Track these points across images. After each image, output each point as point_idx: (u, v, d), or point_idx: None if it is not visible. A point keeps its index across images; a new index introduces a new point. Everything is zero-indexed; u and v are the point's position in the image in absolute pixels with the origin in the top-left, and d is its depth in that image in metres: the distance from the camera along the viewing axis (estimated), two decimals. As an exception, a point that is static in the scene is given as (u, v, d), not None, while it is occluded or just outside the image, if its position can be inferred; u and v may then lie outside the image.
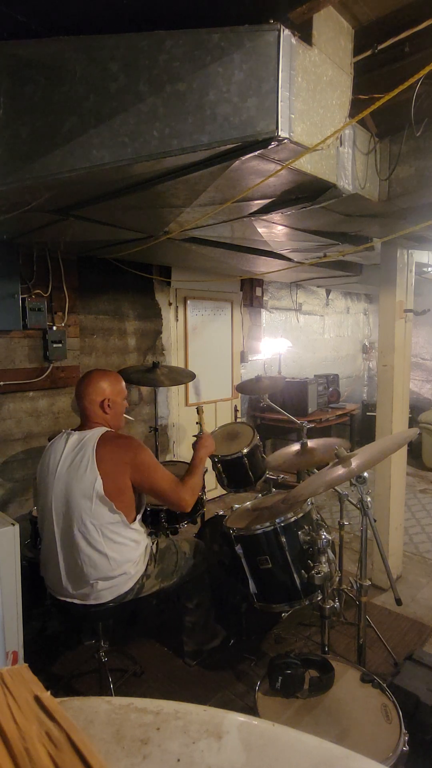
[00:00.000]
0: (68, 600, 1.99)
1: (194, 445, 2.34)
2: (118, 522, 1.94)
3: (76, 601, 1.98)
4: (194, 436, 3.20)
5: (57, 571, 1.98)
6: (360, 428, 6.45)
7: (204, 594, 2.39)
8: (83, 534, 1.90)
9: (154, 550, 2.15)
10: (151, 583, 2.10)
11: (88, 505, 1.89)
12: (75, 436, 2.02)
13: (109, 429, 2.06)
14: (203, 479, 2.26)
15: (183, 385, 4.39)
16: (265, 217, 2.25)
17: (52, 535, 1.97)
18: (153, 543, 2.18)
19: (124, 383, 2.19)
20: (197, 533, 2.87)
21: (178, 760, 0.48)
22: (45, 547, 2.04)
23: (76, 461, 1.95)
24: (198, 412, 2.75)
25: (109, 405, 2.08)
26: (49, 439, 2.16)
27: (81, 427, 2.09)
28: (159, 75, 1.35)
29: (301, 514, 2.12)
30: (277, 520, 2.09)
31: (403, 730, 1.49)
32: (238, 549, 2.18)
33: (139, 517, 2.06)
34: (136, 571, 2.02)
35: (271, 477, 2.99)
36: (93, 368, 3.53)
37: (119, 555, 1.95)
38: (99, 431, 2.01)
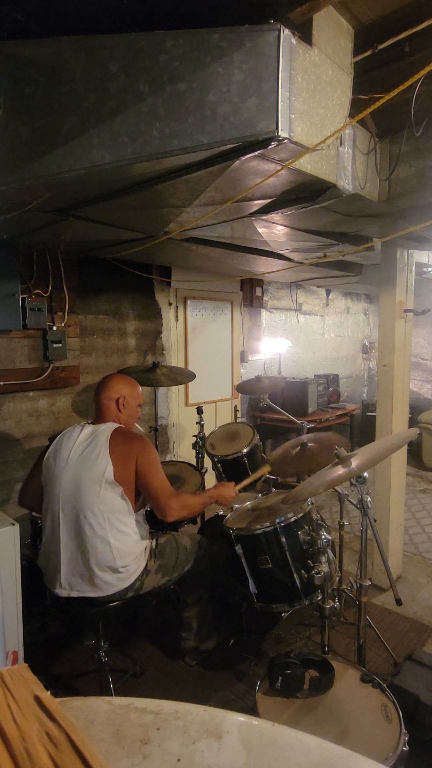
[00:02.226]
0: (64, 594, 1.99)
1: (218, 484, 2.36)
2: (124, 510, 1.98)
3: (73, 594, 1.98)
4: (194, 436, 3.23)
5: (57, 559, 1.99)
6: (360, 428, 6.45)
7: (203, 590, 2.39)
8: (89, 521, 1.94)
9: (154, 546, 2.17)
10: (152, 579, 2.11)
11: (97, 491, 1.94)
12: (89, 428, 2.11)
13: (122, 425, 2.14)
14: (202, 493, 2.25)
15: (183, 385, 4.39)
16: (265, 217, 2.25)
17: (57, 522, 1.99)
18: (153, 539, 2.20)
19: (141, 391, 2.29)
20: (197, 533, 2.87)
21: (178, 760, 0.48)
22: (47, 534, 2.06)
23: (88, 450, 2.01)
24: (263, 465, 2.57)
25: (123, 404, 2.18)
26: (50, 439, 2.17)
27: (94, 422, 2.17)
28: (159, 75, 1.35)
29: (301, 514, 2.12)
30: (277, 520, 2.09)
31: (403, 730, 1.49)
32: (238, 549, 2.18)
33: (142, 511, 2.11)
34: (137, 567, 2.04)
35: (271, 477, 2.99)
36: (94, 368, 3.58)
37: (122, 545, 1.97)
38: (113, 425, 2.10)
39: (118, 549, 1.96)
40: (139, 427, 3.50)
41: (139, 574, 2.05)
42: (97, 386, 2.24)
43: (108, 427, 2.07)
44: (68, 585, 1.99)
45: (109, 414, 2.17)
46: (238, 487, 2.36)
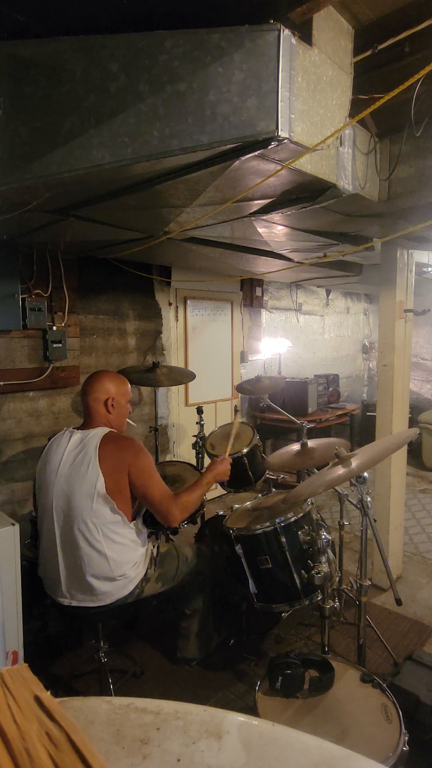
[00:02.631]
0: (66, 603, 1.99)
1: (210, 465, 2.32)
2: (118, 522, 1.94)
3: (74, 603, 1.97)
4: (194, 436, 3.22)
5: (56, 571, 1.97)
6: (360, 428, 6.45)
7: (203, 601, 2.38)
8: (83, 533, 1.90)
9: (155, 554, 2.14)
10: (152, 587, 2.09)
11: (89, 504, 1.89)
12: (77, 435, 2.03)
13: (112, 429, 2.07)
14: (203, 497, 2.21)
15: (183, 385, 4.39)
16: (265, 217, 2.25)
17: (52, 534, 1.96)
18: (154, 546, 2.17)
19: (129, 387, 2.20)
20: (197, 533, 2.87)
21: (178, 760, 0.48)
22: (44, 546, 2.04)
23: (78, 460, 1.95)
24: (234, 415, 2.66)
25: (113, 404, 2.09)
26: (50, 439, 2.16)
27: (83, 426, 2.10)
28: (159, 75, 1.35)
29: (301, 514, 2.12)
30: (277, 520, 2.09)
31: (403, 730, 1.49)
32: (238, 549, 2.17)
33: (139, 518, 2.06)
34: (136, 575, 2.01)
35: (271, 477, 2.99)
36: (94, 368, 3.57)
37: (119, 555, 1.94)
38: (102, 431, 2.01)
39: (114, 559, 1.93)
40: (131, 422, 3.45)
41: (138, 582, 2.02)
42: (83, 387, 2.13)
43: (97, 434, 1.99)
44: (69, 595, 1.97)
45: (98, 417, 2.08)
46: (227, 454, 2.37)
